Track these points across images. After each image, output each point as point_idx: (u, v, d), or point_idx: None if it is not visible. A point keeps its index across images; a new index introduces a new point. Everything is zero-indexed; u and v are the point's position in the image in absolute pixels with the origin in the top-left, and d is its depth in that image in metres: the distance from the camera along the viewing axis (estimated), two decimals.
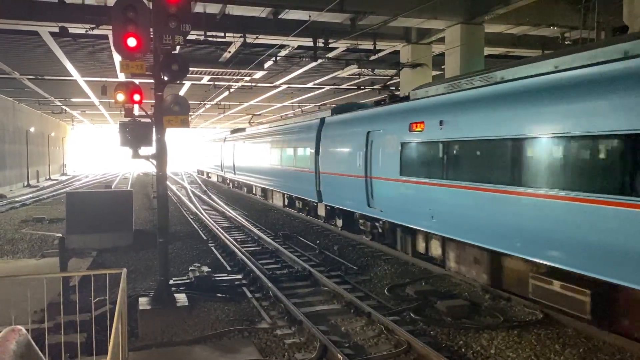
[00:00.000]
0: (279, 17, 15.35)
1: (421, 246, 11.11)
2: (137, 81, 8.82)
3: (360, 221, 13.95)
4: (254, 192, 27.81)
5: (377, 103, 13.81)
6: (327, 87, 29.70)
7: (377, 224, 12.97)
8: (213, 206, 24.22)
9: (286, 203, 21.07)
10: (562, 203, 6.97)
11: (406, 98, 12.13)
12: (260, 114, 43.07)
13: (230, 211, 21.49)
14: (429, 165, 10.09)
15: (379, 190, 12.19)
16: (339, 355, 6.47)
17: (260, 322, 8.03)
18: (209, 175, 46.46)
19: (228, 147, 32.69)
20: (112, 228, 13.98)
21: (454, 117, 9.43)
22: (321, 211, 16.78)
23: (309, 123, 17.91)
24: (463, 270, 9.68)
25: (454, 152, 9.34)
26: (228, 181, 35.78)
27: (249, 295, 9.44)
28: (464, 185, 8.92)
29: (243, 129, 32.30)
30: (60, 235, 12.76)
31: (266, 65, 21.57)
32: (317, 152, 16.20)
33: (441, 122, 9.66)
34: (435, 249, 10.55)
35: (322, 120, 16.63)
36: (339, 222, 15.48)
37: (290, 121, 21.06)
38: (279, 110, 42.74)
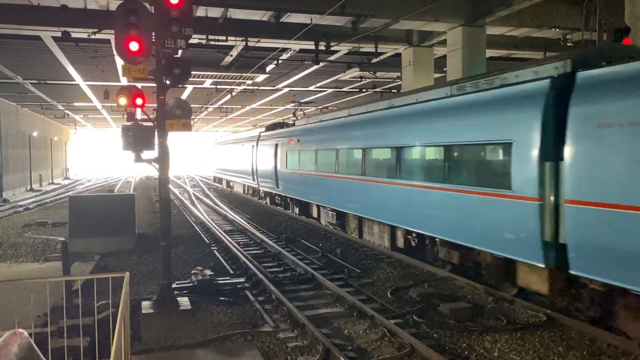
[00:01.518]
0: (281, 20, 15.38)
1: None
2: (139, 85, 8.84)
3: None
4: (314, 214, 18.08)
5: None
6: (329, 90, 29.74)
7: None
8: (215, 209, 24.24)
9: (400, 244, 12.19)
10: None
11: None
12: (310, 102, 31.80)
13: (233, 214, 21.51)
14: None
15: None
16: (342, 358, 6.46)
17: (263, 325, 8.01)
18: (231, 184, 36.09)
19: (265, 150, 23.46)
20: (115, 232, 14.00)
21: None
22: (542, 285, 7.87)
23: (505, 93, 8.46)
24: None
25: None
26: (262, 194, 26.30)
27: (252, 298, 9.43)
28: None
29: (289, 124, 23.79)
30: (63, 239, 12.77)
31: (268, 68, 21.68)
32: (544, 156, 7.36)
33: None
34: None
35: (567, 80, 7.24)
36: None
37: (423, 96, 11.09)
38: (283, 113, 42.67)
